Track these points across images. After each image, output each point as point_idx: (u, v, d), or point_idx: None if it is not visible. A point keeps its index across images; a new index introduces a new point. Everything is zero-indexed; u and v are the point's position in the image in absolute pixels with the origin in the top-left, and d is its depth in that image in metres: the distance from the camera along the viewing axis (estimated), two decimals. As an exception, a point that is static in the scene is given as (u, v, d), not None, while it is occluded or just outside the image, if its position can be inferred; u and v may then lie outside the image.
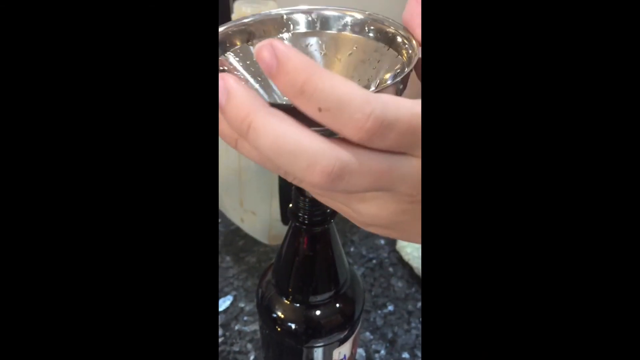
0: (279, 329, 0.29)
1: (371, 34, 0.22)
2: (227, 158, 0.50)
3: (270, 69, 0.15)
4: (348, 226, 0.62)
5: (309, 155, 0.15)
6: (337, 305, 0.29)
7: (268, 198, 0.51)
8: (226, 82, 0.17)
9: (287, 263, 0.28)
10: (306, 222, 0.26)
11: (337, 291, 0.29)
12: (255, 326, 0.47)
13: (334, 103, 0.15)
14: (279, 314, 0.29)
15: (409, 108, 0.17)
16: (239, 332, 0.46)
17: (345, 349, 0.31)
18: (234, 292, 0.51)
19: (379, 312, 0.49)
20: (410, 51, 0.20)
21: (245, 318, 0.48)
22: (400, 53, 0.21)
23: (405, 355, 0.44)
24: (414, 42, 0.20)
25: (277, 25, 0.22)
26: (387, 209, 0.20)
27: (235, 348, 0.45)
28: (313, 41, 0.23)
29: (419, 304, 0.50)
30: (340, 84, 0.15)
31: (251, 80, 0.22)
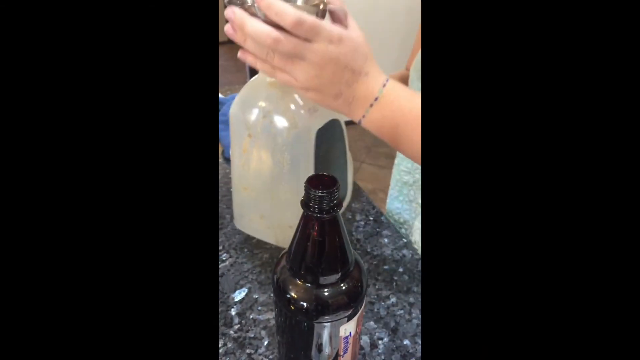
0: (292, 308, 0.34)
1: None
2: (238, 181, 0.56)
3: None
4: (354, 227, 0.66)
5: (267, 33, 0.36)
6: (344, 286, 0.33)
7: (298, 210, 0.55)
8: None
9: (299, 248, 0.32)
10: (316, 211, 0.30)
11: (344, 273, 0.33)
12: (268, 315, 0.51)
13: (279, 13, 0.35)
14: (293, 294, 0.33)
15: (314, 20, 0.36)
16: (254, 320, 0.50)
17: (350, 327, 0.35)
18: (248, 285, 0.55)
19: (382, 303, 0.53)
20: None
21: (259, 308, 0.52)
22: None
23: (407, 342, 0.48)
24: None
25: None
26: (307, 72, 0.37)
27: (250, 334, 0.49)
28: None
29: (420, 297, 0.54)
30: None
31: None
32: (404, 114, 0.39)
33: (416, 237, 0.70)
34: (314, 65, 0.37)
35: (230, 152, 0.57)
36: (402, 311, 0.52)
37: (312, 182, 0.30)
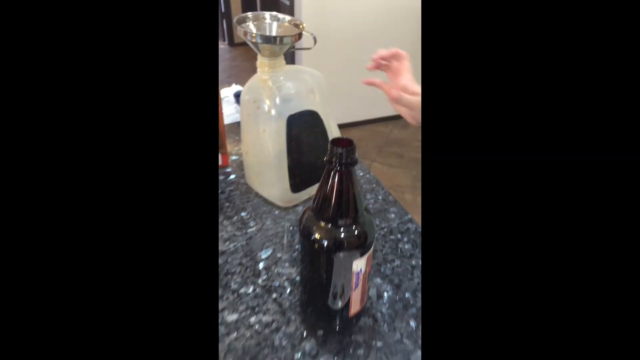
0: (315, 246, 0.42)
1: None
2: (257, 153, 0.69)
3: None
4: (365, 203, 0.74)
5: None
6: (356, 227, 0.42)
7: (282, 175, 0.67)
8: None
9: (322, 196, 0.41)
10: (337, 165, 0.39)
11: (357, 217, 0.42)
12: (290, 269, 0.60)
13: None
14: (316, 235, 0.42)
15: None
16: (278, 273, 0.59)
17: (361, 264, 0.43)
18: (273, 247, 0.64)
19: (388, 265, 0.61)
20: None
21: (281, 264, 0.61)
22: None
23: (408, 295, 0.56)
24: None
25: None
26: None
27: (275, 284, 0.57)
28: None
29: (420, 261, 0.62)
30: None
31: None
32: None
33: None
34: None
35: (241, 127, 0.74)
36: (405, 271, 0.60)
37: (334, 142, 0.39)
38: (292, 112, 0.64)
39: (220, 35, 4.58)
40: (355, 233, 0.42)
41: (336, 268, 0.43)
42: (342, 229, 0.41)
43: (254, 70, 0.65)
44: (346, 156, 0.38)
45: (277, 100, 0.63)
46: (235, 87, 1.12)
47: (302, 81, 0.66)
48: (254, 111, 0.67)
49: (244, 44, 4.61)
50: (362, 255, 0.43)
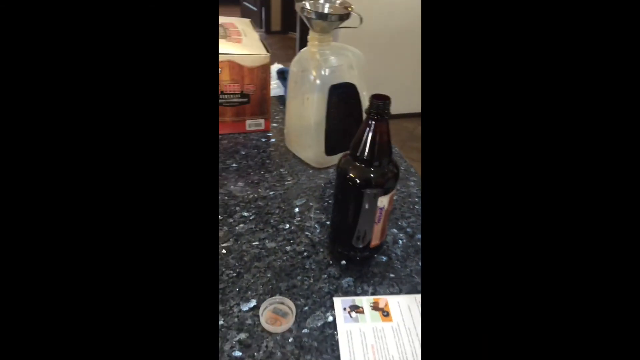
0: (350, 183, 0.52)
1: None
2: (299, 118, 0.79)
3: None
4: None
5: None
6: (384, 169, 0.51)
7: (319, 139, 0.78)
8: None
9: (359, 139, 0.51)
10: (375, 115, 0.48)
11: (385, 161, 0.51)
12: (320, 214, 0.70)
13: None
14: (351, 174, 0.52)
15: None
16: (309, 217, 0.70)
17: (385, 201, 0.53)
18: (306, 198, 0.74)
19: (405, 220, 0.71)
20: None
21: (313, 211, 0.71)
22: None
23: (419, 243, 0.66)
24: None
25: None
26: None
27: (307, 224, 0.68)
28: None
29: (434, 220, 0.71)
30: None
31: None
32: None
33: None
34: None
35: (286, 95, 0.85)
36: (418, 226, 0.70)
37: (374, 97, 0.48)
38: (334, 83, 0.74)
39: (257, 22, 4.71)
40: (383, 173, 0.52)
41: (364, 202, 0.53)
42: (372, 169, 0.51)
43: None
44: (383, 107, 0.48)
45: (322, 72, 0.73)
46: (277, 65, 1.23)
47: (344, 56, 0.76)
48: (300, 80, 0.77)
49: (279, 32, 4.74)
50: (385, 193, 0.53)
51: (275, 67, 1.21)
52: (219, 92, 0.86)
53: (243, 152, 0.87)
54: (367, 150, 0.50)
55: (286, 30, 4.71)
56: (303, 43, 3.37)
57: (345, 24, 0.71)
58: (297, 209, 0.71)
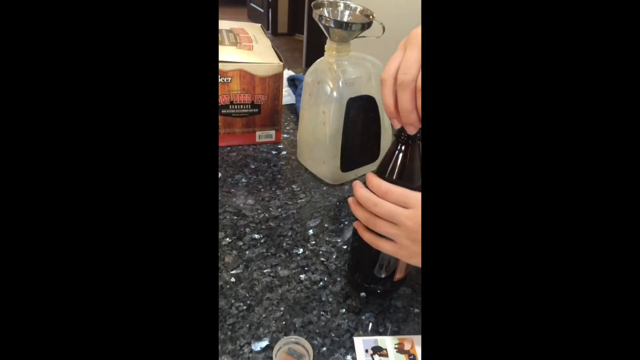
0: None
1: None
2: (313, 132, 0.73)
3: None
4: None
5: (367, 197, 0.46)
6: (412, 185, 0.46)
7: (335, 154, 0.73)
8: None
9: (388, 160, 0.46)
10: (404, 138, 0.43)
11: (413, 188, 0.46)
12: (336, 238, 0.65)
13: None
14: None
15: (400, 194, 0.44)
16: (325, 240, 0.65)
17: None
18: (320, 217, 0.69)
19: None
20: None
21: (329, 233, 0.66)
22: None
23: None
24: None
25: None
26: (407, 236, 0.43)
27: (323, 249, 0.63)
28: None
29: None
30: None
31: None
32: None
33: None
34: (410, 231, 0.42)
35: (300, 106, 0.80)
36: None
37: (402, 129, 0.43)
38: (352, 96, 0.69)
39: (264, 24, 4.67)
40: (411, 187, 0.47)
41: (390, 233, 0.48)
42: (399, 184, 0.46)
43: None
44: (412, 134, 0.43)
45: (340, 83, 0.68)
46: (287, 72, 1.18)
47: (363, 67, 0.71)
48: (315, 92, 0.72)
49: (285, 34, 4.69)
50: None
51: (285, 74, 1.16)
52: (229, 102, 0.81)
53: (253, 166, 0.82)
54: (395, 174, 0.45)
55: (293, 33, 4.67)
56: (310, 46, 3.37)
57: (365, 33, 0.66)
58: (311, 231, 0.66)
